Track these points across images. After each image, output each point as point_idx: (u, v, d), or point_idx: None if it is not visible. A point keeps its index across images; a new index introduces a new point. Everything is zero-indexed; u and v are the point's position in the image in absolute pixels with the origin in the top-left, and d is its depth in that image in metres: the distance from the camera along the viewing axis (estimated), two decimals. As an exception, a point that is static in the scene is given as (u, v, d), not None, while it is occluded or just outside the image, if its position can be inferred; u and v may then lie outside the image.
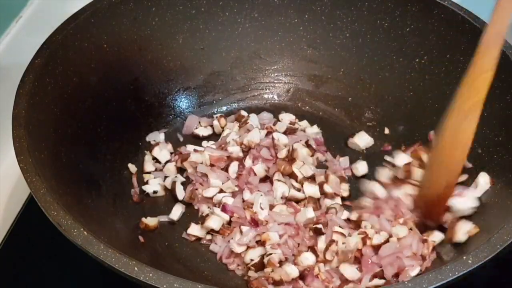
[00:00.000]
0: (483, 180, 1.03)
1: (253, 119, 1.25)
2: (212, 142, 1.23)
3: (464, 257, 0.78)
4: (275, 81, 1.33)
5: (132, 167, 1.17)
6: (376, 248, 1.00)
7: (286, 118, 1.27)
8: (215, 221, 1.08)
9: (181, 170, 1.18)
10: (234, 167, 1.15)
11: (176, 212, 1.11)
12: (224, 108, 1.31)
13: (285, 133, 1.20)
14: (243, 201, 1.11)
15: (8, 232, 1.13)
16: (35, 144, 0.90)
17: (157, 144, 1.20)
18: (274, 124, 1.24)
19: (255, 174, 1.14)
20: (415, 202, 1.07)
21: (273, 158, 1.16)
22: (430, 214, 1.05)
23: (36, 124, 0.93)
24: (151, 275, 0.75)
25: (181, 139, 1.25)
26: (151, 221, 1.08)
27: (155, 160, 1.19)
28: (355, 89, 1.28)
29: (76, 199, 0.94)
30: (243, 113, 1.26)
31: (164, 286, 0.74)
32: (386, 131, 1.25)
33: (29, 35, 1.27)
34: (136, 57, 1.19)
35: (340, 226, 1.05)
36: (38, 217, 0.84)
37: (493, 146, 1.04)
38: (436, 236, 1.01)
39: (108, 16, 1.13)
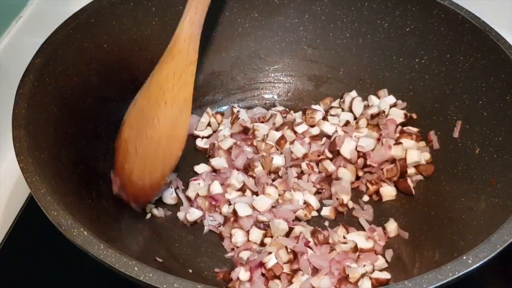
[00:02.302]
0: None
1: (243, 114, 1.25)
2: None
3: (464, 257, 0.78)
4: (275, 81, 1.33)
5: None
6: None
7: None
8: None
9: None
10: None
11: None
12: (224, 108, 1.31)
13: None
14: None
15: (8, 232, 1.13)
16: (35, 144, 0.90)
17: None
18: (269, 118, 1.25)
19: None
20: (122, 185, 1.05)
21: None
22: (137, 197, 1.06)
23: (36, 124, 0.93)
24: (151, 275, 0.75)
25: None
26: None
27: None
28: (355, 89, 1.28)
29: (76, 199, 0.94)
30: (235, 109, 1.27)
31: (164, 286, 0.74)
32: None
33: (29, 35, 1.27)
34: (136, 57, 1.19)
35: None
36: (38, 217, 0.84)
37: (493, 146, 1.04)
38: None
39: (108, 16, 1.13)
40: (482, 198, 1.00)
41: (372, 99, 1.24)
